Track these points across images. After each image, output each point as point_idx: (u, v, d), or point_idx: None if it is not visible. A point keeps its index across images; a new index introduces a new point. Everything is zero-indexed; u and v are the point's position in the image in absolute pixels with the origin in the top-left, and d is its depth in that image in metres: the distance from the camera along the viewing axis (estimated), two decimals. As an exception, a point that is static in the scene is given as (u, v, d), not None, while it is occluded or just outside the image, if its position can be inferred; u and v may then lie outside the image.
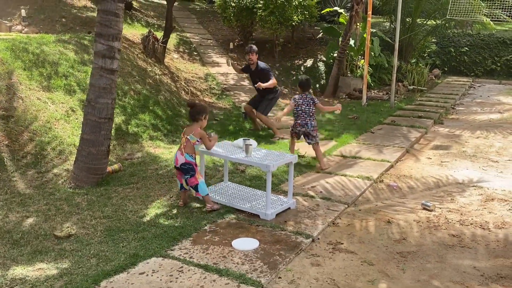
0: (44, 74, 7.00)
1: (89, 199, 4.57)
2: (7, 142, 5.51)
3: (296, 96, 6.10)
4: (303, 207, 4.52)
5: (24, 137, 5.70)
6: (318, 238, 3.89)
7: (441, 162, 6.40)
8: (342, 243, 3.82)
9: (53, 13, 12.47)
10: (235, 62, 7.87)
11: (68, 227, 3.89)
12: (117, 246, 3.55)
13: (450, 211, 4.58)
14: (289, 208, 4.45)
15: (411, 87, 12.93)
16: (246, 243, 3.64)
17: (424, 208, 4.63)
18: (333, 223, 4.22)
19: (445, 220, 4.33)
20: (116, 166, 5.63)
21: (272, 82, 7.54)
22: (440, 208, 4.65)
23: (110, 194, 4.73)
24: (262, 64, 7.73)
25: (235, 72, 12.01)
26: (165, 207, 4.42)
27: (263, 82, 7.46)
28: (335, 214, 4.36)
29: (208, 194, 4.39)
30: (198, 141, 4.38)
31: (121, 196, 4.70)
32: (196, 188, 4.35)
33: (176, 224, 3.99)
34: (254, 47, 7.70)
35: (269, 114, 7.92)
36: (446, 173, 5.89)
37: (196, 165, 4.39)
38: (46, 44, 7.83)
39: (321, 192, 4.97)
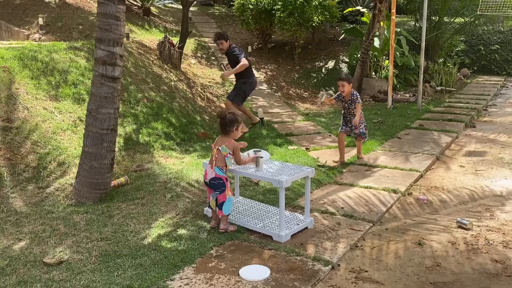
0: (53, 82, 6.74)
1: (89, 218, 4.22)
2: (8, 155, 5.24)
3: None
4: (322, 226, 4.06)
5: (27, 150, 5.42)
6: (339, 265, 3.42)
7: (476, 170, 5.81)
8: (366, 271, 3.34)
9: (70, 21, 12.35)
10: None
11: (61, 251, 3.54)
12: (110, 276, 3.17)
13: (490, 229, 4.03)
14: (306, 227, 3.99)
15: (439, 88, 12.25)
16: (255, 272, 3.20)
17: (459, 227, 4.09)
18: (356, 246, 3.73)
19: (485, 242, 3.79)
20: (122, 179, 5.28)
21: (241, 64, 6.63)
22: (479, 227, 4.10)
23: (112, 212, 4.37)
24: (234, 48, 6.90)
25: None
26: (169, 226, 4.03)
27: (234, 66, 6.78)
28: (358, 234, 3.88)
29: (229, 213, 3.96)
30: (230, 153, 3.89)
31: (123, 214, 4.33)
32: (221, 205, 3.89)
33: (179, 248, 3.59)
34: (220, 32, 7.02)
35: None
36: (482, 183, 5.32)
37: (227, 179, 3.94)
38: (57, 51, 7.60)
39: (342, 208, 4.49)
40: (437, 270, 3.34)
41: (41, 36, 11.47)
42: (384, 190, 4.99)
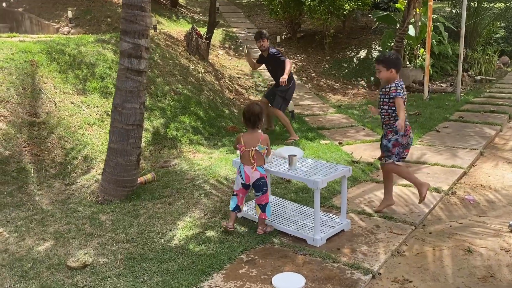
0: (80, 76, 6.66)
1: (114, 217, 4.08)
2: (35, 150, 5.16)
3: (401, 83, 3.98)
4: (359, 229, 3.78)
5: (53, 145, 5.33)
6: (380, 273, 3.15)
7: (525, 167, 5.39)
8: (410, 281, 3.05)
9: (99, 14, 12.33)
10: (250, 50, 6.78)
11: (85, 253, 3.40)
12: (136, 282, 3.00)
13: (547, 235, 3.66)
14: (342, 230, 3.72)
15: (478, 77, 11.63)
16: (289, 281, 2.97)
17: (512, 231, 3.74)
18: (398, 252, 3.44)
19: (543, 249, 3.44)
20: (149, 176, 5.13)
21: (288, 68, 6.56)
22: (534, 231, 3.73)
23: (138, 211, 4.21)
24: (273, 49, 6.74)
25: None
26: (197, 227, 3.84)
27: (277, 68, 6.64)
28: (399, 239, 3.58)
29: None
30: (266, 149, 3.70)
31: (150, 213, 4.17)
32: (264, 207, 3.68)
33: (207, 252, 3.39)
34: (262, 31, 6.80)
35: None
36: (534, 181, 4.91)
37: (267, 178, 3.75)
38: (84, 44, 7.51)
39: (380, 208, 4.18)
40: (491, 282, 3.02)
41: (70, 29, 11.49)
42: (425, 189, 4.65)
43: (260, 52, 6.91)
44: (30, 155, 5.08)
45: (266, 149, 3.68)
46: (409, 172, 4.13)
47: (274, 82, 7.14)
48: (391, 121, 3.94)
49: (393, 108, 3.90)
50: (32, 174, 4.86)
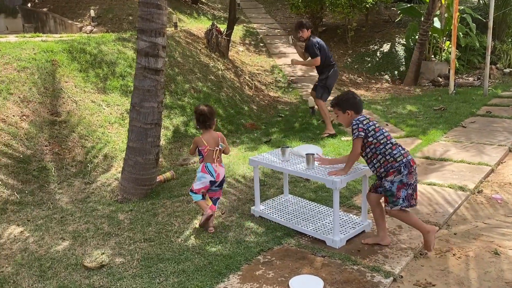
0: (101, 75, 6.71)
1: (133, 216, 4.08)
2: (56, 149, 5.22)
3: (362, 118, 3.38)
4: (380, 230, 3.66)
5: (74, 144, 5.39)
6: (401, 276, 3.04)
7: (557, 164, 5.15)
8: (434, 285, 2.93)
9: (121, 12, 12.42)
10: (299, 43, 6.80)
11: (103, 253, 3.40)
12: (152, 283, 2.98)
13: None
14: (363, 231, 3.62)
15: (507, 70, 11.22)
16: (307, 284, 2.89)
17: (543, 232, 3.56)
18: (420, 254, 3.32)
19: None
20: (168, 174, 5.12)
21: (308, 61, 6.66)
22: None
23: (157, 210, 4.21)
24: (313, 40, 6.57)
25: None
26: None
27: (310, 57, 6.62)
28: (422, 240, 3.45)
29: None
30: (225, 146, 3.90)
31: (168, 212, 4.15)
32: (216, 201, 3.91)
33: (224, 252, 3.34)
34: (302, 21, 6.74)
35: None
36: None
37: None
38: (105, 43, 7.57)
39: (403, 208, 4.05)
40: (520, 286, 2.88)
41: (92, 28, 11.63)
42: (450, 187, 4.49)
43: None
44: (51, 154, 5.14)
45: (225, 146, 3.85)
46: (418, 220, 3.34)
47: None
48: (382, 163, 3.24)
49: (372, 147, 3.27)
50: (53, 173, 4.91)
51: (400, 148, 3.28)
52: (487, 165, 5.10)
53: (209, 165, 3.74)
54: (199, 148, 3.78)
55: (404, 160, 3.20)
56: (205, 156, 3.76)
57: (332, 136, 6.46)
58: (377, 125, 3.34)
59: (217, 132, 3.88)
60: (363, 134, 3.27)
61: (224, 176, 3.87)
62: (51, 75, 6.10)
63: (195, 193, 3.78)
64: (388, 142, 3.26)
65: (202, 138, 3.77)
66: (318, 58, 6.48)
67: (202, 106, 3.82)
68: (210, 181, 3.76)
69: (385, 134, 3.32)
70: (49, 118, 5.52)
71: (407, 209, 3.25)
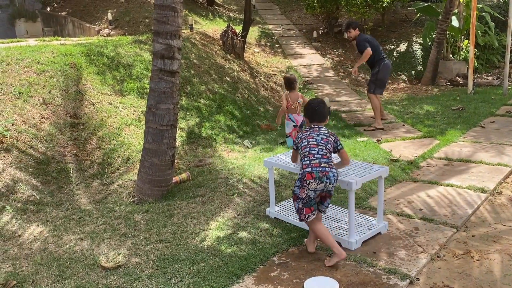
0: (118, 77, 6.80)
1: (149, 217, 4.12)
2: (75, 151, 5.31)
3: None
4: (397, 231, 3.63)
5: (92, 145, 5.47)
6: (418, 279, 3.00)
7: None
8: (451, 288, 2.89)
9: (137, 15, 12.57)
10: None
11: (119, 254, 3.44)
12: (167, 283, 3.00)
13: None
14: (379, 233, 3.58)
15: (528, 68, 10.98)
16: (322, 285, 2.88)
17: None
18: (437, 256, 3.28)
19: None
20: (184, 175, 5.16)
21: (361, 58, 6.90)
22: None
23: (172, 211, 4.24)
24: (361, 37, 6.87)
25: (319, 63, 11.15)
26: (230, 228, 3.81)
27: (361, 55, 6.93)
28: (440, 242, 3.41)
29: None
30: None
31: (183, 213, 4.18)
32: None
33: (239, 253, 3.35)
34: (350, 21, 7.05)
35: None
36: None
37: None
38: (122, 46, 7.67)
39: (420, 209, 4.01)
40: (541, 290, 2.82)
41: (110, 31, 11.78)
42: (469, 189, 4.42)
43: None
44: (70, 155, 5.23)
45: (303, 101, 5.62)
46: (328, 237, 3.20)
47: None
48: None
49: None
50: (72, 174, 4.99)
51: (306, 159, 3.17)
52: (507, 166, 5.00)
53: (291, 115, 5.63)
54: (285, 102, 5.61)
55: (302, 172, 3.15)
56: (289, 108, 5.59)
57: (379, 129, 6.71)
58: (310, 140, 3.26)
59: (298, 93, 5.63)
60: (301, 141, 3.32)
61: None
62: (70, 78, 6.20)
63: (289, 136, 5.69)
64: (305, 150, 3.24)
65: (288, 95, 5.59)
66: (369, 49, 6.68)
67: (287, 75, 5.45)
68: (294, 125, 5.55)
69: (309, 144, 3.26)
70: (68, 120, 5.61)
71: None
